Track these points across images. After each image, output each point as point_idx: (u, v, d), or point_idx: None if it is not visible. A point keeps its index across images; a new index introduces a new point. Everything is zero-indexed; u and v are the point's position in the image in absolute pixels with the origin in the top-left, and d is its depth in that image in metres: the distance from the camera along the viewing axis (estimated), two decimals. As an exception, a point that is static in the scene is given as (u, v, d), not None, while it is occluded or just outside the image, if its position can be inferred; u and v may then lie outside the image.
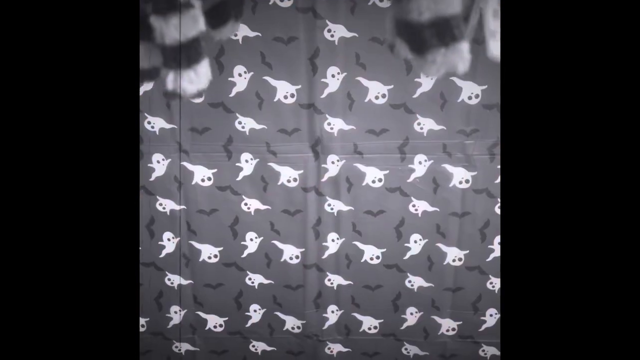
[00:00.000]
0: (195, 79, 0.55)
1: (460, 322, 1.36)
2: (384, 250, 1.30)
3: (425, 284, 1.32)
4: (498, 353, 1.39)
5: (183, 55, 0.53)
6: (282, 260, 1.31)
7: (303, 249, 1.30)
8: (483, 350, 1.39)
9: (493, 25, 0.58)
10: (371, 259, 1.31)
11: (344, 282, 1.33)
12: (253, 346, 1.41)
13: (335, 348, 1.40)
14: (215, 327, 1.39)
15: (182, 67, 0.53)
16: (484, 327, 1.36)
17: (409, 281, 1.33)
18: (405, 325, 1.38)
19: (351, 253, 1.30)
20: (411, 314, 1.36)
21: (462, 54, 0.50)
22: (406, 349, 1.40)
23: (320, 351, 1.41)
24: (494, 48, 0.58)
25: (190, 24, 0.53)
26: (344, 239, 1.29)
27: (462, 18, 0.50)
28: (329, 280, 1.33)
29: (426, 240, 1.28)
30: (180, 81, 0.55)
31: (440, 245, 1.28)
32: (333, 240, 1.29)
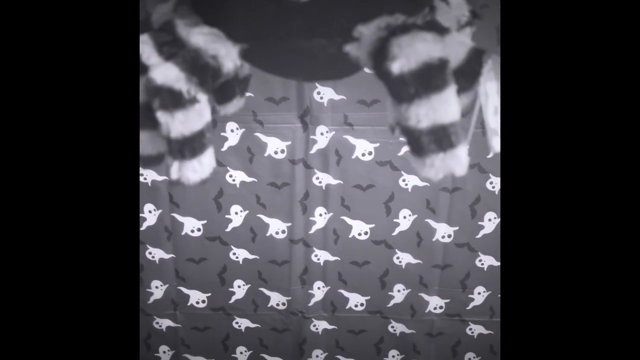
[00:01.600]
0: (199, 169, 0.56)
1: (448, 300, 1.37)
2: (373, 225, 1.29)
3: (414, 261, 1.33)
4: (485, 332, 1.41)
5: (187, 147, 0.54)
6: (267, 234, 1.30)
7: (289, 224, 1.29)
8: (470, 329, 1.41)
9: (494, 123, 0.59)
10: (359, 234, 1.30)
11: (331, 258, 1.33)
12: (236, 323, 1.41)
13: (321, 325, 1.41)
14: (197, 303, 1.38)
15: (187, 158, 0.55)
16: (471, 305, 1.37)
17: (397, 258, 1.33)
18: (392, 302, 1.38)
19: (339, 228, 1.30)
20: (398, 291, 1.37)
21: (460, 159, 0.51)
22: (392, 327, 1.41)
23: (305, 328, 1.41)
24: (496, 145, 0.60)
25: (196, 118, 0.54)
26: (331, 213, 1.28)
27: (461, 125, 0.51)
28: (316, 256, 1.33)
29: (415, 215, 1.28)
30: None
31: (429, 221, 1.28)
32: (321, 215, 1.28)
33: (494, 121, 0.59)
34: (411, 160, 0.53)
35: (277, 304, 1.39)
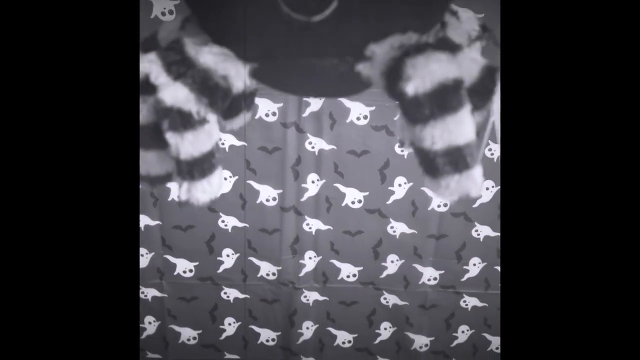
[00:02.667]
0: (209, 189, 0.56)
1: (443, 272, 1.36)
2: (367, 193, 1.27)
3: (408, 231, 1.31)
4: (480, 304, 1.40)
5: (197, 168, 0.54)
6: (257, 202, 1.27)
7: (280, 190, 1.26)
8: (464, 301, 1.40)
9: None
10: (352, 202, 1.28)
11: (323, 227, 1.31)
12: (225, 293, 1.39)
13: (312, 296, 1.39)
14: (184, 272, 1.36)
15: (196, 179, 0.55)
16: (466, 276, 1.36)
17: (391, 227, 1.31)
18: (385, 273, 1.37)
19: (332, 196, 1.27)
20: (392, 262, 1.35)
21: (475, 180, 0.51)
22: (385, 299, 1.40)
23: (295, 299, 1.39)
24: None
25: (206, 139, 0.54)
26: (324, 180, 1.25)
27: (475, 145, 0.51)
28: (307, 224, 1.30)
29: (411, 183, 1.25)
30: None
31: (425, 189, 1.25)
32: (313, 182, 1.25)
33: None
34: (425, 181, 0.53)
35: (267, 274, 1.37)
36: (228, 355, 1.47)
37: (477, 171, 0.51)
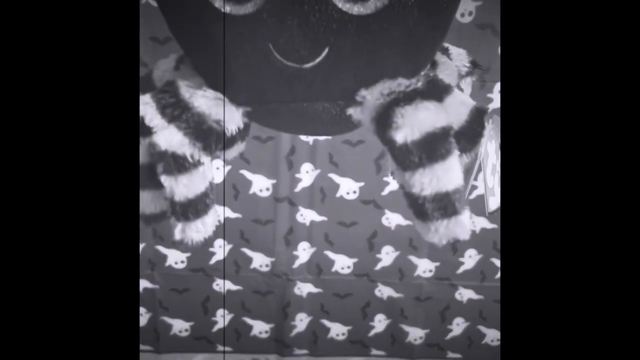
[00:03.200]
0: (203, 229, 0.57)
1: (438, 264, 1.35)
2: (362, 184, 1.26)
3: (404, 222, 1.30)
4: (475, 297, 1.39)
5: (191, 209, 0.55)
6: (250, 192, 1.26)
7: (274, 181, 1.25)
8: (460, 294, 1.39)
9: (491, 183, 0.61)
10: (347, 193, 1.27)
11: (318, 218, 1.30)
12: (217, 284, 1.38)
13: (306, 288, 1.38)
14: (176, 263, 1.35)
15: (190, 220, 0.56)
16: (462, 269, 1.35)
17: (387, 218, 1.30)
18: (379, 265, 1.36)
19: (326, 186, 1.26)
20: (387, 253, 1.34)
21: (463, 225, 0.52)
22: (379, 291, 1.39)
23: (289, 291, 1.38)
24: (493, 204, 0.62)
25: (200, 181, 0.55)
26: (319, 170, 1.24)
27: (463, 189, 0.53)
28: (301, 215, 1.29)
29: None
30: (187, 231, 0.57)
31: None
32: (307, 172, 1.24)
33: (491, 180, 0.61)
34: (415, 223, 0.55)
35: (260, 266, 1.36)
36: (220, 348, 1.46)
37: (465, 216, 0.52)
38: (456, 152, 0.52)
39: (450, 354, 1.46)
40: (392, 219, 1.30)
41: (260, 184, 1.25)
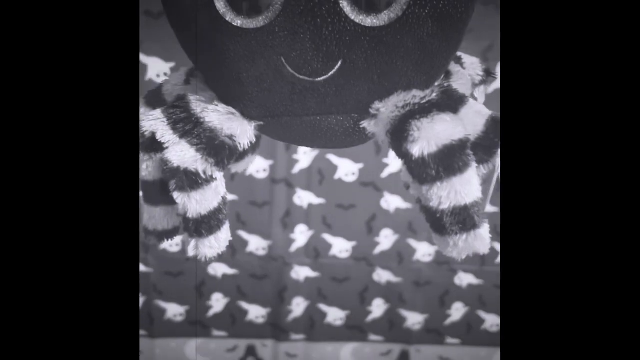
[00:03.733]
0: (216, 245, 0.56)
1: (438, 247, 1.33)
2: (361, 166, 1.24)
3: (403, 205, 1.28)
4: (475, 281, 1.38)
5: (204, 226, 0.55)
6: (247, 173, 1.24)
7: (271, 162, 1.23)
8: (459, 278, 1.38)
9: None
10: (346, 175, 1.25)
11: (315, 200, 1.28)
12: (212, 268, 1.36)
13: (303, 272, 1.36)
14: (170, 246, 1.33)
15: (203, 236, 0.55)
16: (462, 253, 1.34)
17: (386, 201, 1.28)
18: (378, 249, 1.34)
19: (324, 167, 1.24)
20: (386, 237, 1.32)
21: (483, 239, 0.52)
22: (378, 275, 1.37)
23: (286, 275, 1.36)
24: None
25: (213, 197, 0.54)
26: (317, 151, 1.22)
27: (482, 202, 0.52)
28: (299, 197, 1.27)
29: (407, 156, 1.22)
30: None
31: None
32: (305, 153, 1.22)
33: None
34: (434, 238, 0.53)
35: (257, 249, 1.34)
36: (216, 332, 1.44)
37: (484, 229, 0.51)
38: (474, 164, 0.51)
39: (449, 340, 1.45)
40: (392, 202, 1.28)
41: (257, 165, 1.23)
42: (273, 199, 1.27)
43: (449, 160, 0.49)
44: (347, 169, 1.24)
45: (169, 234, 0.63)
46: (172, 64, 1.10)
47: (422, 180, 0.50)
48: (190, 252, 0.57)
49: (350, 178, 1.25)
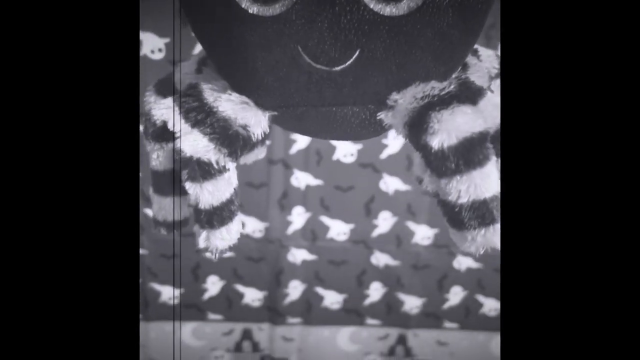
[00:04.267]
0: (227, 237, 0.57)
1: (437, 230, 1.32)
2: (360, 147, 1.22)
3: (402, 187, 1.26)
4: (474, 265, 1.37)
5: (216, 217, 0.55)
6: (243, 153, 1.22)
7: (268, 141, 1.21)
8: (458, 262, 1.37)
9: None
10: (344, 156, 1.23)
11: (313, 181, 1.26)
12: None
13: (300, 255, 1.35)
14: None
15: (215, 228, 0.56)
16: (461, 236, 1.33)
17: (384, 183, 1.26)
18: (377, 232, 1.33)
19: (322, 148, 1.22)
20: (384, 219, 1.31)
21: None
22: (376, 258, 1.36)
23: (282, 258, 1.35)
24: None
25: (225, 187, 0.54)
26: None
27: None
28: (296, 178, 1.25)
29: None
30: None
31: (422, 143, 1.21)
32: (303, 133, 1.20)
33: None
34: (450, 232, 0.53)
35: (253, 231, 1.32)
36: (211, 316, 1.43)
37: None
38: (494, 158, 0.50)
39: (447, 324, 1.44)
40: (391, 184, 1.26)
41: (254, 145, 1.22)
42: (270, 180, 1.26)
43: (469, 153, 0.48)
44: (345, 149, 1.22)
45: (179, 225, 0.62)
46: (166, 40, 1.08)
47: (440, 174, 0.50)
48: (201, 243, 0.57)
49: (349, 159, 1.23)
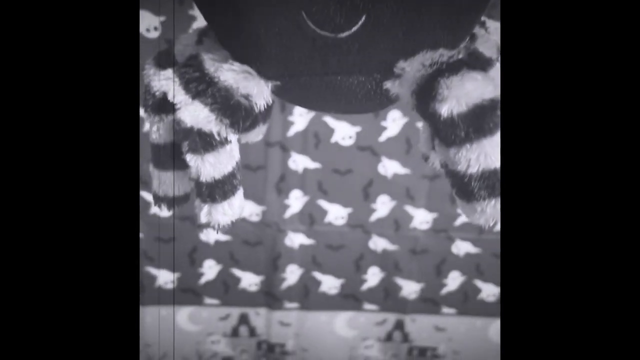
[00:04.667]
0: (230, 211, 0.56)
1: (436, 215, 1.32)
2: (359, 129, 1.21)
3: (401, 171, 1.25)
4: (473, 250, 1.36)
5: (218, 190, 0.54)
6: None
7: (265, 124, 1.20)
8: (457, 246, 1.36)
9: None
10: (343, 138, 1.22)
11: (311, 164, 1.25)
12: (204, 235, 1.33)
13: (297, 239, 1.34)
14: (162, 211, 1.30)
15: (217, 202, 0.54)
16: (459, 220, 1.32)
17: (383, 166, 1.25)
18: (375, 216, 1.32)
19: (321, 130, 1.21)
20: (383, 203, 1.30)
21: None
22: (374, 243, 1.35)
23: (279, 242, 1.34)
24: None
25: (227, 160, 0.54)
26: (313, 113, 1.19)
27: None
28: (294, 161, 1.24)
29: (406, 119, 1.19)
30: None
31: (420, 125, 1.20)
32: (300, 115, 1.18)
33: None
34: (459, 204, 0.52)
35: (250, 215, 1.31)
36: (208, 300, 1.43)
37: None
38: None
39: (445, 309, 1.44)
40: (389, 167, 1.25)
41: (251, 127, 1.20)
42: (267, 163, 1.25)
43: (479, 121, 0.47)
44: (344, 132, 1.21)
45: (180, 201, 0.61)
46: (162, 18, 1.06)
47: (449, 142, 0.49)
48: (203, 218, 0.56)
49: (347, 142, 1.22)
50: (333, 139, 1.22)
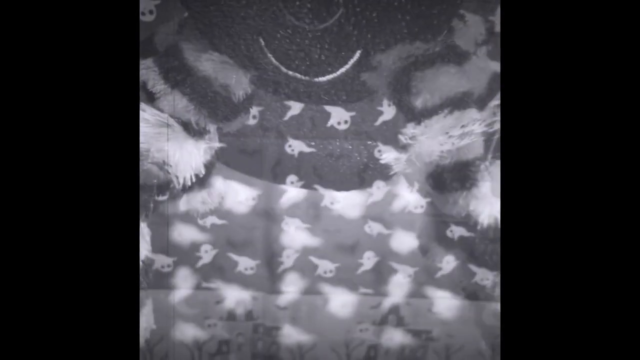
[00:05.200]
0: (208, 200, 0.51)
1: (430, 199, 1.33)
2: (353, 113, 1.21)
3: (396, 154, 1.26)
4: (466, 234, 1.38)
5: (197, 179, 0.57)
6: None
7: (261, 108, 1.20)
8: (451, 231, 1.38)
9: None
10: (338, 123, 1.23)
11: (307, 150, 1.26)
12: (202, 220, 1.34)
13: (293, 224, 1.36)
14: (159, 196, 1.31)
15: (195, 190, 0.58)
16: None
17: (379, 151, 1.26)
18: (370, 200, 1.33)
19: (316, 115, 1.21)
20: (378, 188, 1.31)
21: (485, 196, 0.47)
22: (369, 227, 1.37)
23: (276, 226, 1.36)
24: None
25: (206, 149, 0.57)
26: (311, 98, 1.19)
27: (483, 159, 0.54)
28: (290, 146, 1.25)
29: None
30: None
31: (416, 110, 1.21)
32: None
33: None
34: (433, 196, 0.50)
35: (246, 199, 1.32)
36: (205, 284, 1.44)
37: (485, 187, 0.50)
38: (477, 120, 0.49)
39: (440, 293, 1.46)
40: (385, 152, 1.26)
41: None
42: (263, 148, 1.25)
43: (452, 114, 0.47)
44: (339, 116, 1.21)
45: (162, 188, 0.61)
46: (157, 2, 1.06)
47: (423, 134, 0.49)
48: (182, 207, 0.56)
49: (343, 126, 1.23)
50: (328, 123, 1.22)
